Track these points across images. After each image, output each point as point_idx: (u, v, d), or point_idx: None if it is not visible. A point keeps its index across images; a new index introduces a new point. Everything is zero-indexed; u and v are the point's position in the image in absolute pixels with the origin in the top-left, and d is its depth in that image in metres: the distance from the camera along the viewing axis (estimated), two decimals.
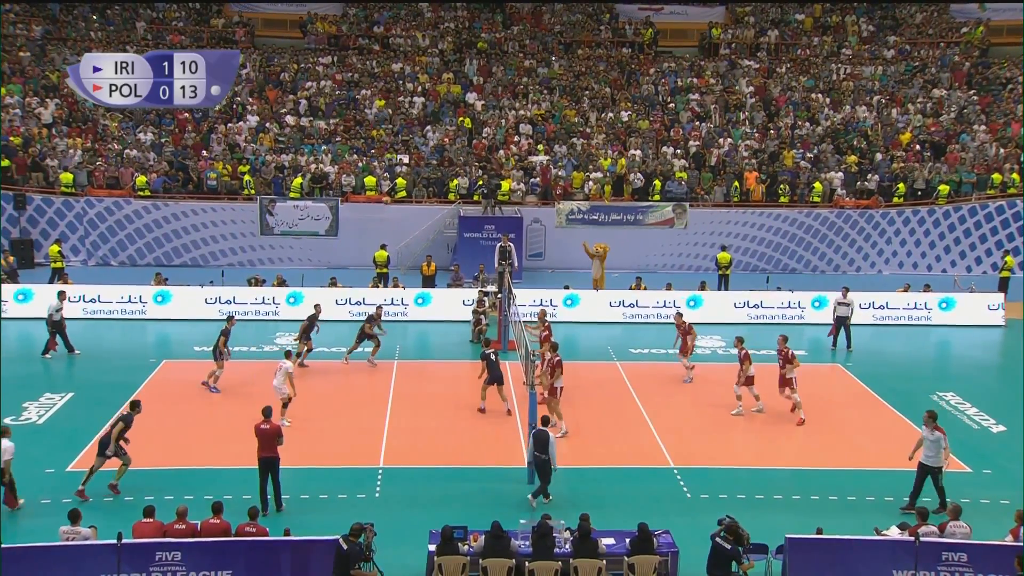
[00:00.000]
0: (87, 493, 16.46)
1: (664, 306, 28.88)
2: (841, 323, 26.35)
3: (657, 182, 35.58)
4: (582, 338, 27.25)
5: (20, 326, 26.20)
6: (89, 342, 25.32)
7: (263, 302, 28.36)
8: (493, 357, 21.52)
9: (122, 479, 16.82)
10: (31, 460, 17.50)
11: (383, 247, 30.89)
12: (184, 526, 13.81)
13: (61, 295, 24.95)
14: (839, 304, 26.47)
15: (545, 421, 17.36)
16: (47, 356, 24.36)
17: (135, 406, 17.49)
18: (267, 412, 16.64)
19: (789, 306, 29.13)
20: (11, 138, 34.81)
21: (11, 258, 30.41)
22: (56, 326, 24.40)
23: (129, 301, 28.02)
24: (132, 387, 22.13)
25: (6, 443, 16.06)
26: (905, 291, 29.73)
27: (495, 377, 21.24)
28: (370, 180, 34.99)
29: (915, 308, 29.35)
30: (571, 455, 19.03)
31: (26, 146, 35.03)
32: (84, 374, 23.54)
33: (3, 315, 26.61)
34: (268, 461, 16.20)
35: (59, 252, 30.28)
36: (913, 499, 16.65)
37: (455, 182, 35.21)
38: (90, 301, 27.77)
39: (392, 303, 28.27)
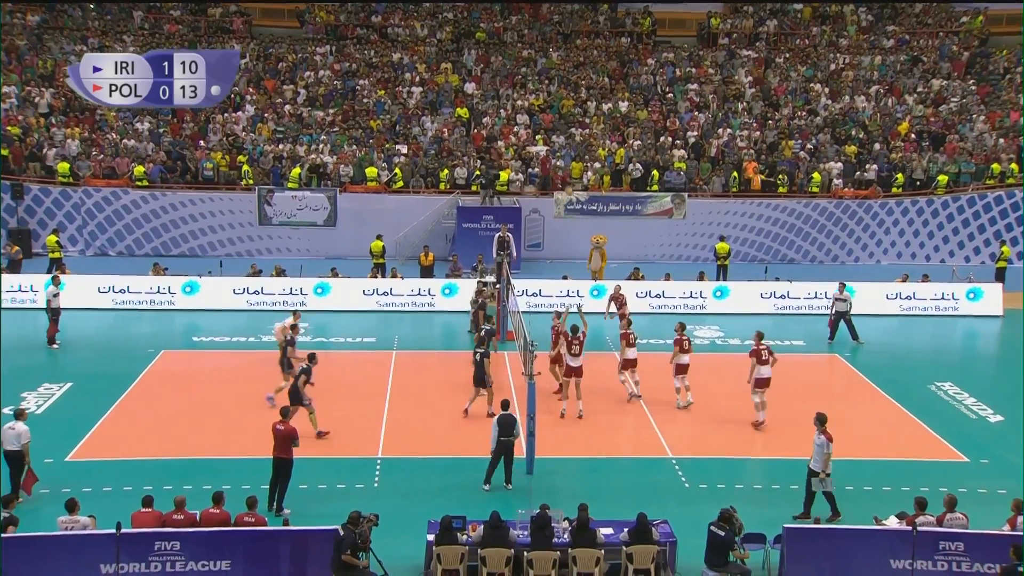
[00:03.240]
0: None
1: (691, 297, 28.97)
2: (840, 317, 26.24)
3: (656, 172, 35.51)
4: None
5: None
6: (98, 332, 25.23)
7: (291, 292, 28.36)
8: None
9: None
10: (30, 450, 17.43)
11: (379, 238, 30.85)
12: (182, 516, 13.82)
13: (55, 280, 24.85)
14: (836, 299, 26.32)
15: (505, 405, 17.36)
16: (54, 346, 24.30)
17: (312, 358, 18.95)
18: (284, 413, 16.42)
19: (815, 296, 29.08)
20: (8, 127, 34.71)
21: (15, 248, 30.27)
22: (55, 313, 24.30)
23: (158, 292, 28.06)
24: (131, 377, 22.15)
25: (21, 426, 16.15)
26: (903, 281, 29.73)
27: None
28: (371, 171, 34.91)
29: (943, 299, 29.36)
30: (569, 445, 19.10)
31: (23, 135, 34.95)
32: (83, 364, 23.48)
33: (27, 305, 26.81)
34: (279, 462, 15.98)
35: (57, 242, 30.20)
36: (807, 506, 16.15)
37: (445, 172, 35.15)
38: (120, 292, 27.83)
39: (420, 294, 28.64)
